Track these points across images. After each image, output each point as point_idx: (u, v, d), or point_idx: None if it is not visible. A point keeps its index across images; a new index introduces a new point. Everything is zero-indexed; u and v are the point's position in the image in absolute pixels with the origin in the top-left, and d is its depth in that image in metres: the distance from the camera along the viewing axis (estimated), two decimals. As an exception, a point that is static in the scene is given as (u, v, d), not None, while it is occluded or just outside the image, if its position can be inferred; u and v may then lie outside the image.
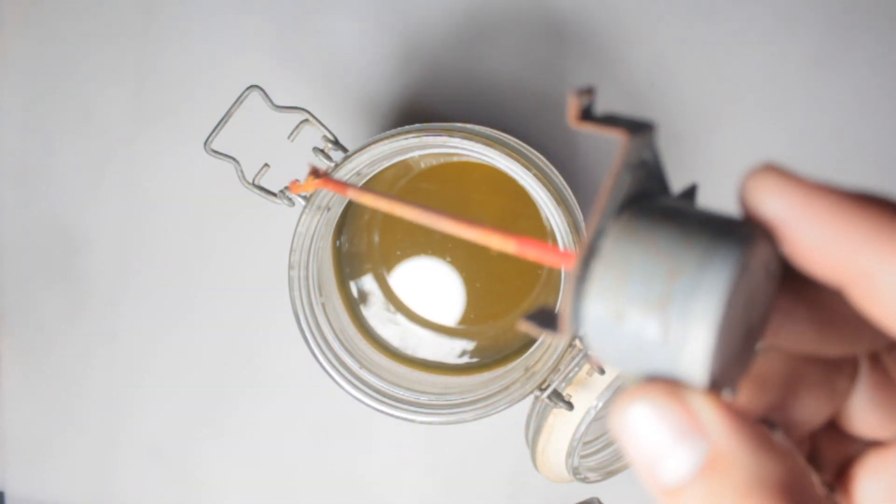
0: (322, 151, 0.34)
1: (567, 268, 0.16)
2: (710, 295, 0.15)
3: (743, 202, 0.16)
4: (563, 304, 0.16)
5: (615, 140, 0.16)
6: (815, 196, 0.15)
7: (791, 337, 0.17)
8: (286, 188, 0.34)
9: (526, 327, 0.16)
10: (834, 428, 0.19)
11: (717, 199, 0.42)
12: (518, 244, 0.17)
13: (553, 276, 0.39)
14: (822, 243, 0.15)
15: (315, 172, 0.25)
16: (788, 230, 0.15)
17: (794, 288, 0.17)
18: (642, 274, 0.15)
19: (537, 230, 0.39)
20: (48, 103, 0.44)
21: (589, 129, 0.16)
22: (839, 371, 0.18)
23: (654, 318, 0.15)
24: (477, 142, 0.33)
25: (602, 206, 0.15)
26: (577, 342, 0.33)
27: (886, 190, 0.15)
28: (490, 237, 0.18)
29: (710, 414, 0.15)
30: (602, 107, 0.42)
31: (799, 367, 0.18)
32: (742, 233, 0.15)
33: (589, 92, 0.16)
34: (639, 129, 0.16)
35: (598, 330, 0.16)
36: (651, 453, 0.15)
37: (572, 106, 0.16)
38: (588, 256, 0.16)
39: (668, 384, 0.15)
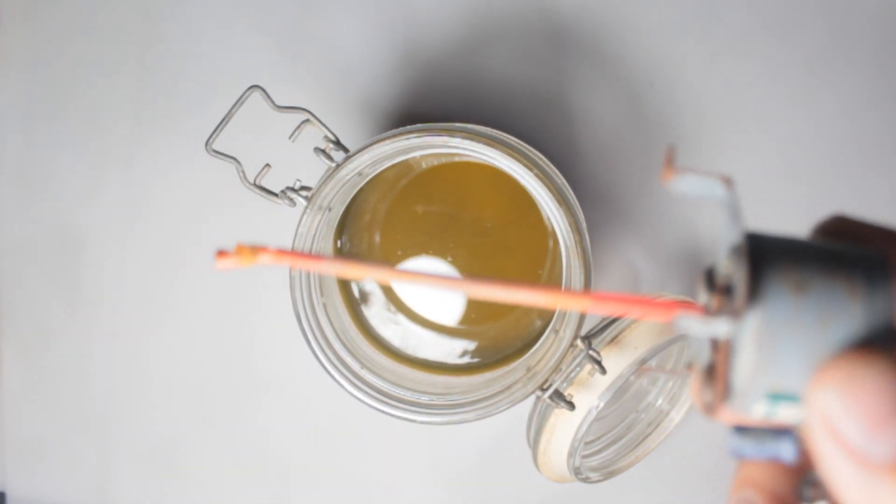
0: (323, 152, 0.34)
1: (665, 320, 0.16)
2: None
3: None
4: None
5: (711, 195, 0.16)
6: None
7: None
8: (285, 189, 0.34)
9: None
10: None
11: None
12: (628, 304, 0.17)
13: (554, 274, 0.39)
14: None
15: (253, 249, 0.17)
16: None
17: None
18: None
19: (538, 230, 0.39)
20: (48, 103, 0.44)
21: (686, 179, 0.16)
22: None
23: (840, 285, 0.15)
24: (478, 142, 0.33)
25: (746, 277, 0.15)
26: (578, 342, 0.33)
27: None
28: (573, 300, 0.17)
29: None
30: (601, 105, 0.42)
31: None
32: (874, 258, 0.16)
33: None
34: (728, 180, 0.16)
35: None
36: (866, 427, 0.15)
37: (667, 161, 0.16)
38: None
39: (882, 355, 0.15)
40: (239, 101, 0.34)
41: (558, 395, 0.34)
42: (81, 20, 0.44)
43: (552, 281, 0.39)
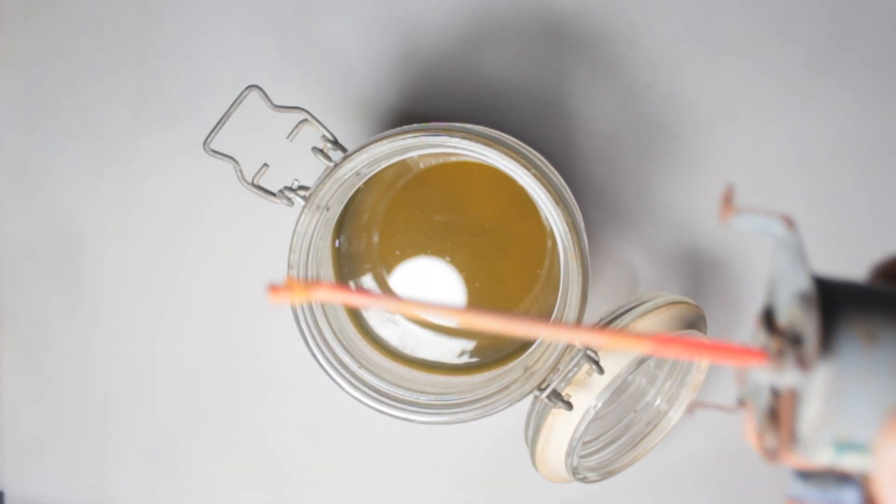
0: (321, 151, 0.34)
1: (747, 364, 0.15)
2: None
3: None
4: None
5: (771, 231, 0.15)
6: None
7: None
8: (283, 189, 0.34)
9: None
10: None
11: (715, 200, 0.42)
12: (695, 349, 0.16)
13: (552, 275, 0.39)
14: None
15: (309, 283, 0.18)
16: None
17: None
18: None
19: (536, 230, 0.39)
20: (48, 103, 0.44)
21: (745, 218, 0.16)
22: None
23: None
24: (476, 141, 0.33)
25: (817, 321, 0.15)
26: (576, 342, 0.33)
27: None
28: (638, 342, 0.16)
29: None
30: (599, 105, 0.42)
31: None
32: None
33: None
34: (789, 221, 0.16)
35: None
36: None
37: (725, 199, 0.16)
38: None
39: None
40: (237, 101, 0.34)
41: (556, 395, 0.34)
42: (81, 20, 0.44)
43: (550, 280, 0.39)
